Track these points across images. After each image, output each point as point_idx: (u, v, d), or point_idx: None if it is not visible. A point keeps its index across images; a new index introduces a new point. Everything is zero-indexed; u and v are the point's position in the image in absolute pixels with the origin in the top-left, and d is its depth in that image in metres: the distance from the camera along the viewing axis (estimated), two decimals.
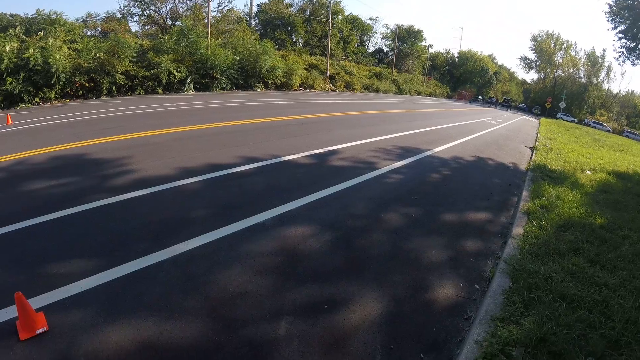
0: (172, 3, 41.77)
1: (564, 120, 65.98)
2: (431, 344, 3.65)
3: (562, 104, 70.50)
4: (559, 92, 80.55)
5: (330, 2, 63.80)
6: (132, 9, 41.93)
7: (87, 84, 23.54)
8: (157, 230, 5.20)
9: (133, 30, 47.00)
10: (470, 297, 4.49)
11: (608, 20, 20.18)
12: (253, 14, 61.98)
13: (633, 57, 20.37)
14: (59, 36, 23.80)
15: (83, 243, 4.76)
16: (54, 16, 26.42)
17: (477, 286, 4.74)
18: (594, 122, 74.10)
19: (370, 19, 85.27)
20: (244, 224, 5.56)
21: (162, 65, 27.27)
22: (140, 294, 3.84)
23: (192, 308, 3.70)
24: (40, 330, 3.25)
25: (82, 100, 22.68)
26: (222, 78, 32.60)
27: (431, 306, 4.22)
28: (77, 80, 22.84)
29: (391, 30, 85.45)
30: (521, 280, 4.56)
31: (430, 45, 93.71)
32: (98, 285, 3.93)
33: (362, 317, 3.88)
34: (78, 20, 40.82)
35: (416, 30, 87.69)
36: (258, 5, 65.28)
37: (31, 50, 20.58)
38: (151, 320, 3.49)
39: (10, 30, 22.95)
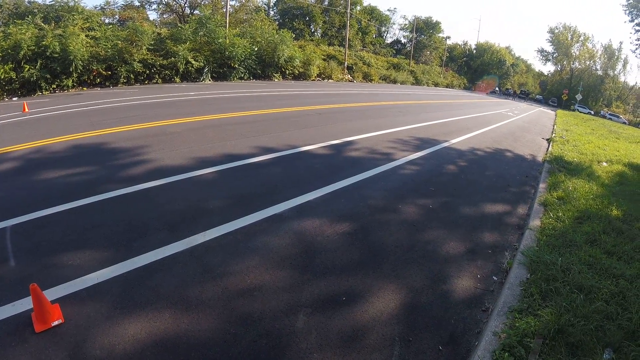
0: None
1: (580, 112, 65.61)
2: (449, 336, 3.61)
3: (579, 96, 70.09)
4: (576, 84, 79.97)
5: None
6: None
7: (104, 72, 23.55)
8: (174, 220, 5.16)
9: (151, 18, 47.30)
10: (487, 288, 4.47)
11: (625, 13, 20.10)
12: (272, 4, 61.79)
13: None
14: (77, 24, 23.87)
15: (99, 233, 4.72)
16: (72, 3, 26.42)
17: (495, 278, 4.73)
18: (610, 114, 73.52)
19: (389, 10, 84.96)
20: (261, 215, 5.50)
21: (180, 54, 27.19)
22: (156, 285, 3.79)
23: (209, 300, 3.65)
24: (55, 323, 3.22)
25: (99, 89, 22.74)
26: (240, 68, 32.51)
27: (449, 298, 4.19)
28: (94, 68, 22.87)
29: (409, 21, 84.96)
30: (538, 272, 4.56)
31: (448, 37, 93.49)
32: (114, 276, 3.89)
33: (380, 309, 3.83)
34: (96, 7, 41.25)
35: (434, 21, 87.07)
36: None
37: (50, 38, 20.62)
38: (168, 313, 3.44)
39: (29, 17, 23.02)
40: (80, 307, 3.45)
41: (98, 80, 23.55)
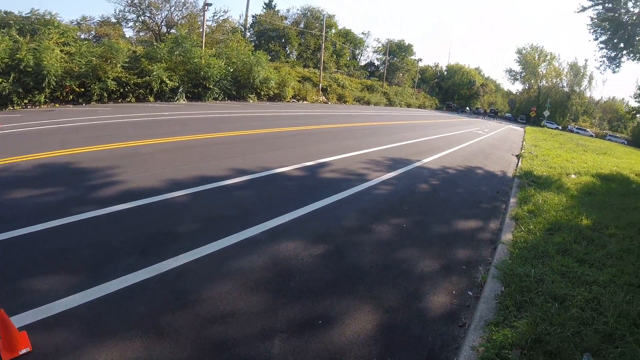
0: (168, 11, 41.66)
1: (548, 127, 67.88)
2: (428, 353, 3.64)
3: (547, 112, 72.92)
4: (543, 101, 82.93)
5: (324, 15, 64.44)
6: (127, 14, 41.58)
7: (77, 89, 23.20)
8: (145, 245, 5.07)
9: (127, 36, 46.84)
10: (463, 304, 4.54)
11: (590, 32, 21.32)
12: (248, 25, 62.12)
13: (614, 66, 21.80)
14: (52, 38, 23.57)
15: (68, 258, 4.60)
16: (48, 17, 26.03)
17: (470, 293, 4.81)
18: (577, 128, 76.31)
19: (363, 33, 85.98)
20: (234, 239, 5.45)
21: (155, 73, 26.99)
22: (127, 312, 3.70)
23: (181, 327, 3.58)
24: (23, 351, 3.10)
25: (71, 106, 22.42)
26: (215, 88, 32.46)
27: (426, 315, 4.23)
28: (67, 84, 22.52)
29: (382, 44, 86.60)
30: (512, 284, 4.67)
31: (420, 59, 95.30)
32: (83, 303, 3.78)
33: (357, 330, 3.83)
34: (72, 22, 40.53)
35: (406, 44, 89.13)
36: (253, 16, 65.66)
37: (24, 52, 20.29)
38: (139, 341, 3.36)
39: (5, 29, 22.62)
40: (49, 335, 3.34)
41: (71, 97, 23.19)
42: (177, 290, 4.14)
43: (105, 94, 24.48)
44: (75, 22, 41.28)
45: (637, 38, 19.99)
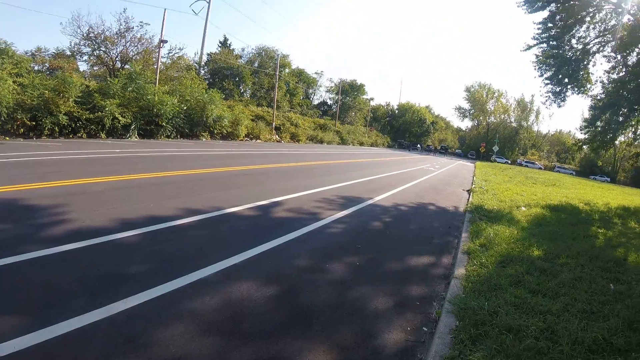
0: (123, 46, 41.48)
1: (498, 162, 70.70)
2: None
3: (496, 148, 75.69)
4: (492, 136, 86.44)
5: (278, 55, 65.53)
6: (82, 47, 41.26)
7: (28, 122, 22.69)
8: (94, 286, 5.00)
9: (81, 69, 46.36)
10: (419, 340, 4.61)
11: (535, 69, 22.29)
12: (203, 63, 62.42)
13: (559, 100, 22.57)
14: (5, 68, 23.04)
15: (15, 298, 4.50)
16: (3, 46, 25.59)
17: (425, 329, 4.88)
18: (526, 162, 79.70)
19: (316, 72, 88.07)
20: (186, 280, 5.43)
21: (107, 108, 26.73)
22: (77, 356, 3.66)
23: None
24: None
25: (22, 140, 21.79)
26: (168, 126, 32.32)
27: (381, 353, 4.28)
28: (19, 117, 21.98)
29: (335, 83, 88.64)
30: (467, 318, 4.74)
31: (372, 98, 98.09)
32: (33, 345, 3.71)
33: None
34: (27, 53, 39.91)
35: (359, 84, 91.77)
36: (208, 54, 66.11)
37: None
38: None
39: None
40: None
41: (22, 130, 22.64)
42: (128, 332, 4.11)
43: (56, 129, 24.04)
44: (30, 53, 40.72)
45: (581, 72, 21.15)
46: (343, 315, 4.99)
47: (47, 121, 23.38)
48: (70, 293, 4.78)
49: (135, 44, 42.29)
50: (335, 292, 5.66)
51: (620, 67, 21.18)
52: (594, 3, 19.01)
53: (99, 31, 39.58)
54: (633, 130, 23.32)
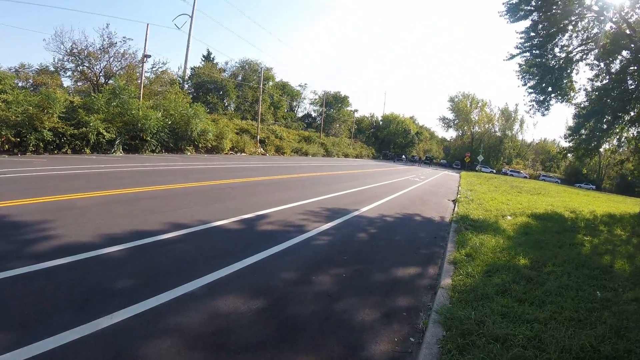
0: (107, 61, 41.34)
1: (483, 171, 71.11)
2: None
3: (480, 157, 76.16)
4: (477, 146, 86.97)
5: (261, 68, 65.91)
6: (66, 63, 41.05)
7: (13, 139, 22.55)
8: (80, 301, 5.01)
9: (65, 85, 46.11)
10: (406, 350, 4.63)
11: (519, 78, 22.42)
12: (186, 77, 62.39)
13: (543, 109, 22.67)
14: None
15: (0, 315, 4.49)
16: None
17: (412, 339, 4.90)
18: (511, 171, 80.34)
19: (300, 85, 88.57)
20: (172, 294, 5.45)
21: (92, 124, 26.64)
22: None
23: None
24: None
25: (6, 156, 21.59)
26: (153, 140, 32.24)
27: None
28: (3, 134, 21.85)
29: (319, 96, 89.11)
30: (454, 328, 4.76)
31: (356, 110, 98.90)
32: None
33: None
34: (10, 69, 39.58)
35: (343, 96, 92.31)
36: (192, 68, 66.13)
37: None
38: None
39: None
40: None
41: (6, 146, 22.50)
42: (114, 347, 4.12)
43: (41, 145, 23.92)
44: (14, 70, 40.39)
45: (565, 81, 21.39)
46: (330, 327, 5.01)
47: (31, 137, 23.24)
48: (57, 309, 4.77)
49: (119, 59, 42.19)
50: (322, 304, 5.69)
51: (604, 74, 21.53)
52: (576, 12, 19.29)
53: (82, 47, 39.49)
54: (617, 137, 23.51)
